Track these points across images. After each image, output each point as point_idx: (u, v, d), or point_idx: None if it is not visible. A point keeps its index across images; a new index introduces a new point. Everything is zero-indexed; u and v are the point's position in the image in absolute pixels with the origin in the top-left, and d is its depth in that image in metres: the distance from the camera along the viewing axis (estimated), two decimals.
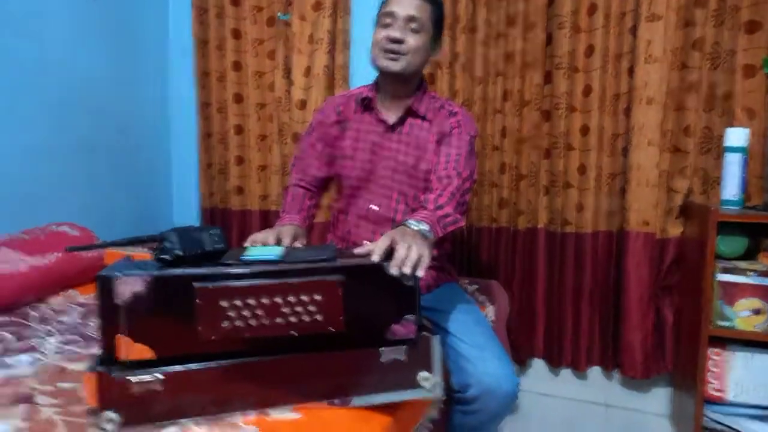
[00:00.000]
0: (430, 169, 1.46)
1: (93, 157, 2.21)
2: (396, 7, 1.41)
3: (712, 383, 1.73)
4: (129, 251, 1.78)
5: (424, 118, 1.49)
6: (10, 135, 1.88)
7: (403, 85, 1.49)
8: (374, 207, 1.50)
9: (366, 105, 1.53)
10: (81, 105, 2.15)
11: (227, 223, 2.56)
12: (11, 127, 1.88)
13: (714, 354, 1.73)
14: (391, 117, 1.50)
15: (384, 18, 1.43)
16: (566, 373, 2.23)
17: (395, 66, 1.42)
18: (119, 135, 2.35)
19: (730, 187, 1.75)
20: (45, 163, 1.99)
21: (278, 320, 0.96)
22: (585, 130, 2.07)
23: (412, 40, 1.41)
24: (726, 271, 1.68)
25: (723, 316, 1.68)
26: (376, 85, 1.54)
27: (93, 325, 1.41)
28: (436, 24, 1.48)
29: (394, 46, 1.41)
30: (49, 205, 1.98)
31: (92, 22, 2.19)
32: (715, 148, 1.92)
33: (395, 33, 1.40)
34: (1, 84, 1.85)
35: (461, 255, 2.26)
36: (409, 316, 1.02)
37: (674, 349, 2.01)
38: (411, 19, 1.40)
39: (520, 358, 2.22)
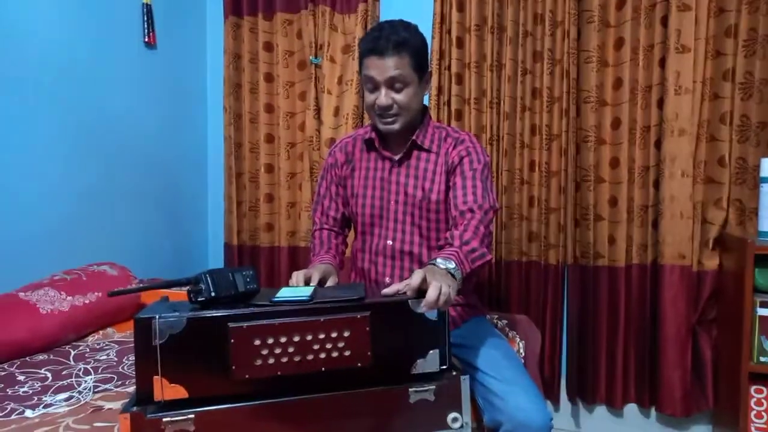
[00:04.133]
0: (441, 199, 1.46)
1: (135, 198, 2.29)
2: (374, 72, 1.38)
3: (755, 422, 1.67)
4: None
5: (429, 150, 1.49)
6: (66, 179, 1.97)
7: (410, 128, 1.48)
8: (390, 242, 1.51)
9: (369, 145, 1.55)
10: (129, 149, 2.24)
11: (256, 259, 2.60)
12: (68, 172, 1.98)
13: (756, 392, 1.67)
14: (396, 152, 1.52)
15: (366, 82, 1.41)
16: (601, 410, 2.17)
17: (394, 127, 1.43)
18: (161, 176, 2.44)
19: None
20: (92, 205, 2.07)
21: (309, 357, 0.98)
22: (615, 163, 2.06)
23: (401, 98, 1.39)
24: (765, 305, 1.63)
25: (764, 351, 1.63)
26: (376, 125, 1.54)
27: (129, 363, 1.45)
28: (420, 66, 1.42)
29: (386, 112, 1.41)
30: (93, 244, 2.05)
31: (142, 71, 2.31)
32: (750, 179, 1.90)
33: (382, 100, 1.38)
34: (62, 132, 1.95)
35: (491, 289, 2.24)
36: (434, 351, 1.04)
37: (714, 385, 1.95)
38: (392, 80, 1.37)
39: (553, 396, 2.17)
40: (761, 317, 1.63)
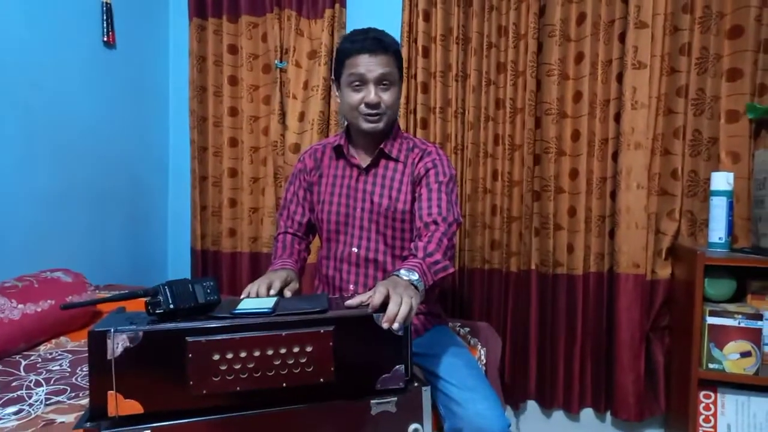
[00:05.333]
0: (406, 209, 1.48)
1: (92, 202, 2.22)
2: (363, 69, 1.40)
3: (704, 426, 1.73)
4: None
5: (396, 160, 1.52)
6: (19, 183, 1.90)
7: (381, 135, 1.51)
8: (354, 249, 1.52)
9: (339, 152, 1.57)
10: (86, 152, 2.18)
11: (218, 265, 2.56)
12: (21, 175, 1.91)
13: (705, 397, 1.74)
14: (364, 160, 1.53)
15: (352, 80, 1.43)
16: (558, 415, 2.22)
17: (378, 127, 1.45)
18: (120, 179, 2.38)
19: (717, 230, 1.79)
20: (47, 209, 2.01)
21: (269, 373, 0.96)
22: (574, 174, 2.12)
23: (387, 97, 1.43)
24: (714, 314, 1.69)
25: (713, 358, 1.69)
26: (347, 133, 1.56)
27: (83, 374, 1.40)
28: (400, 69, 1.49)
29: (373, 110, 1.43)
30: (47, 249, 1.99)
31: (100, 71, 2.24)
32: (701, 191, 1.97)
33: (371, 97, 1.41)
34: (14, 133, 1.88)
35: (453, 297, 2.27)
36: (399, 366, 1.03)
37: (666, 391, 2.01)
38: (382, 77, 1.41)
39: (513, 400, 2.21)
40: (710, 325, 1.70)
